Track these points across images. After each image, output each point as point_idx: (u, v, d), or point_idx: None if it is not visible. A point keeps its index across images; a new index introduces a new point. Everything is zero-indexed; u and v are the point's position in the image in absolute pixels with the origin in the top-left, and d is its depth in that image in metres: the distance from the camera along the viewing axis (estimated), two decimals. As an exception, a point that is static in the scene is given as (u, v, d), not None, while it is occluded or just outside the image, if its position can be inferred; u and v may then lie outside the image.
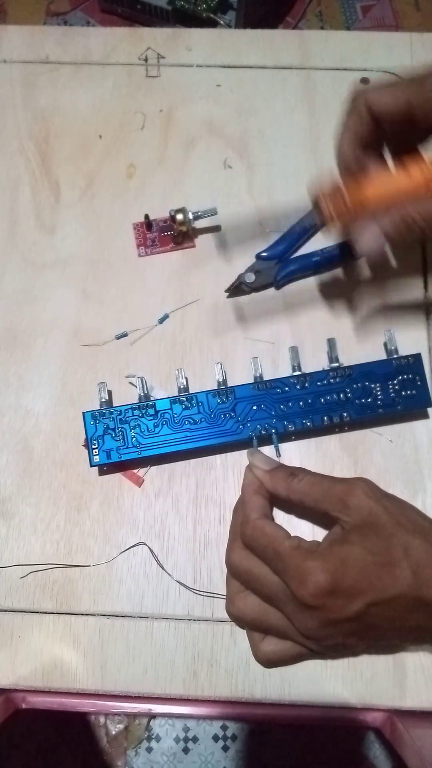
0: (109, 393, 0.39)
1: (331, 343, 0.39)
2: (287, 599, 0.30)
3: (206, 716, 0.77)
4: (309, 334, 0.41)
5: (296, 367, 0.39)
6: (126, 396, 0.40)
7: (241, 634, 0.35)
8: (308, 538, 0.32)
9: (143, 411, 0.37)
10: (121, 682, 0.35)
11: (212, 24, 1.08)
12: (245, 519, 0.33)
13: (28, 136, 0.47)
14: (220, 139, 0.46)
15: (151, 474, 0.38)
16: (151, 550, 0.37)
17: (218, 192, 0.45)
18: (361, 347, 0.41)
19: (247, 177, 0.45)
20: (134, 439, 0.37)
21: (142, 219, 0.43)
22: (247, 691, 0.35)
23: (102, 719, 0.86)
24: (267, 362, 0.40)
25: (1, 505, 0.38)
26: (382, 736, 0.45)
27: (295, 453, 0.39)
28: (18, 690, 0.36)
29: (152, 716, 0.85)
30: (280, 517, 0.37)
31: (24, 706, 0.41)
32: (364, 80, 0.46)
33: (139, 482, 0.38)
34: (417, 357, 0.38)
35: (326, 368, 0.38)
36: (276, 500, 0.35)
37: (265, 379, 0.38)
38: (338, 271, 0.43)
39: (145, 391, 0.38)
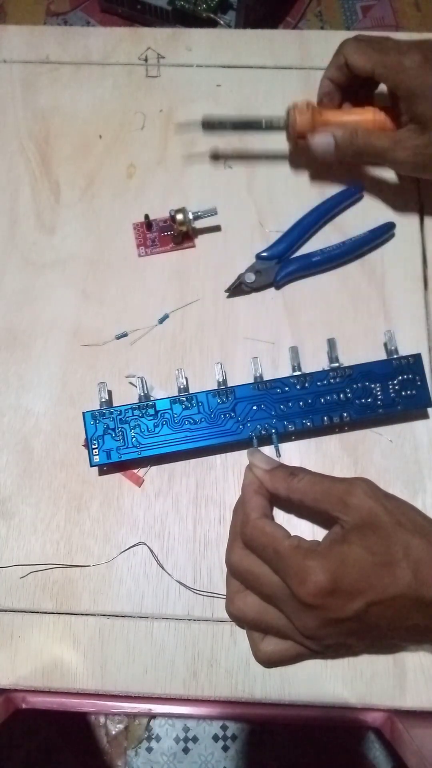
0: (109, 393, 0.39)
1: (331, 343, 0.39)
2: (287, 599, 0.30)
3: (206, 716, 0.77)
4: (309, 334, 0.41)
5: (296, 367, 0.39)
6: (126, 396, 0.40)
7: (241, 634, 0.35)
8: (308, 538, 0.32)
9: (143, 411, 0.37)
10: (121, 682, 0.35)
11: (212, 24, 1.08)
12: (245, 518, 0.33)
13: (28, 136, 0.47)
14: (220, 139, 0.46)
15: (151, 474, 0.38)
16: (151, 550, 0.37)
17: (218, 192, 0.45)
18: (361, 347, 0.41)
19: (247, 177, 0.45)
20: (134, 439, 0.37)
21: (142, 219, 0.43)
22: (247, 691, 0.35)
23: (102, 719, 0.86)
24: (267, 362, 0.40)
25: (1, 505, 0.38)
26: (382, 736, 0.45)
27: (295, 453, 0.39)
28: (18, 690, 0.36)
29: (152, 716, 0.85)
30: (280, 517, 0.37)
31: (24, 706, 0.41)
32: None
33: (139, 482, 0.38)
34: (417, 357, 0.38)
35: (326, 368, 0.38)
36: (276, 500, 0.35)
37: (265, 379, 0.38)
38: (338, 271, 0.43)
39: (145, 391, 0.38)
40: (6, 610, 0.36)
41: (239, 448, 0.38)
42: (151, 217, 0.43)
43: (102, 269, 0.43)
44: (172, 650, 0.35)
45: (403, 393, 0.37)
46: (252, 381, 0.38)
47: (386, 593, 0.28)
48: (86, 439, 0.37)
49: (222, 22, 1.09)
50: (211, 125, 0.43)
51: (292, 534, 0.31)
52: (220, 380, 0.38)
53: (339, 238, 0.43)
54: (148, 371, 0.40)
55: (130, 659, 0.35)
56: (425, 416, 0.39)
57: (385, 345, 0.40)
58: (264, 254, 0.42)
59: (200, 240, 0.44)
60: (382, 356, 0.40)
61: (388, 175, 0.45)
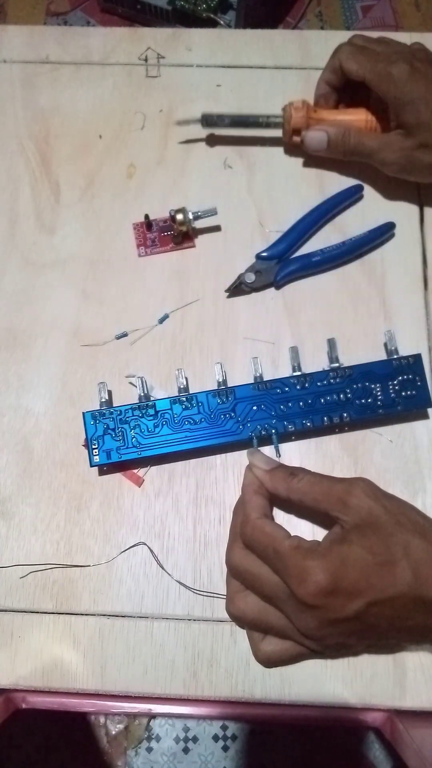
0: (109, 393, 0.39)
1: (331, 343, 0.39)
2: (287, 599, 0.30)
3: (206, 716, 0.77)
4: (309, 334, 0.41)
5: (296, 367, 0.39)
6: (126, 396, 0.40)
7: (241, 634, 0.35)
8: (308, 538, 0.32)
9: (143, 411, 0.37)
10: (121, 682, 0.35)
11: (212, 24, 1.08)
12: (245, 519, 0.33)
13: (28, 136, 0.47)
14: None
15: (151, 474, 0.38)
16: (151, 550, 0.37)
17: (218, 192, 0.45)
18: (361, 347, 0.41)
19: (247, 177, 0.45)
20: (134, 439, 0.37)
21: (142, 219, 0.43)
22: (247, 691, 0.35)
23: (102, 719, 0.86)
24: (267, 362, 0.40)
25: (1, 505, 0.38)
26: (382, 736, 0.45)
27: (295, 453, 0.39)
28: (18, 690, 0.36)
29: (152, 716, 0.85)
30: (280, 517, 0.37)
31: (24, 706, 0.41)
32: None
33: (139, 482, 0.38)
34: (417, 357, 0.38)
35: (326, 368, 0.38)
36: (276, 500, 0.35)
37: (265, 379, 0.38)
38: (338, 271, 0.43)
39: (145, 391, 0.38)
40: (6, 610, 0.36)
41: (239, 449, 0.38)
42: (151, 217, 0.43)
43: (102, 269, 0.43)
44: (172, 650, 0.35)
45: (403, 393, 0.37)
46: (252, 381, 0.38)
47: (386, 593, 0.28)
48: (86, 439, 0.37)
49: (222, 22, 1.09)
50: (210, 121, 0.44)
51: (292, 534, 0.31)
52: (220, 380, 0.38)
53: (339, 238, 0.43)
54: (148, 371, 0.40)
55: (130, 659, 0.35)
56: (425, 416, 0.39)
57: (385, 345, 0.40)
58: (264, 254, 0.42)
59: (200, 240, 0.44)
60: (382, 356, 0.40)
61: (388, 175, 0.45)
